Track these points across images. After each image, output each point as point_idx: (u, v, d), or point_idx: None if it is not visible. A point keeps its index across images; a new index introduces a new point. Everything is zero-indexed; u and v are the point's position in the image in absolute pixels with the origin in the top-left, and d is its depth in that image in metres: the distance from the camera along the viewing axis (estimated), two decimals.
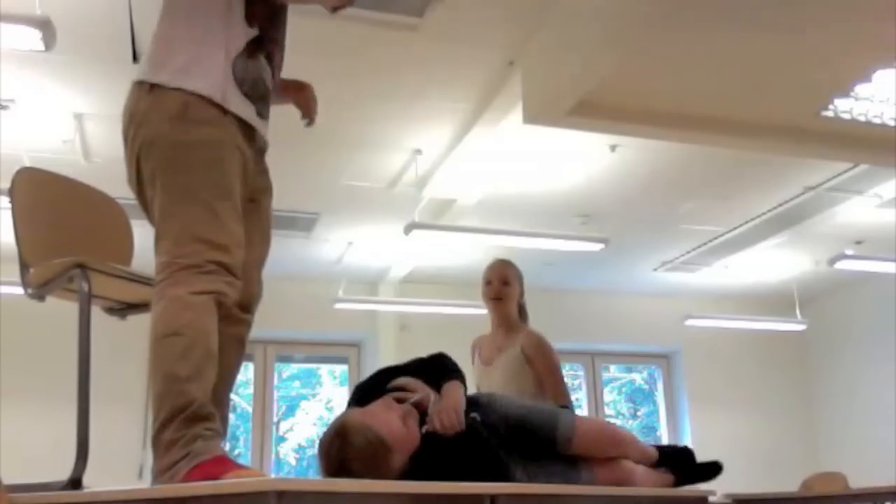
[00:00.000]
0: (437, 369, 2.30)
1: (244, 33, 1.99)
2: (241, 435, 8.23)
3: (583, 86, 4.22)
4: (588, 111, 4.43)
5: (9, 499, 1.72)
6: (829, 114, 4.86)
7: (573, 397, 4.14)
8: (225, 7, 1.98)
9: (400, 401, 2.10)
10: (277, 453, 8.46)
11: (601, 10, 3.87)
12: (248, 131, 1.98)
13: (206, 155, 1.87)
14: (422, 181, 5.81)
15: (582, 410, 8.63)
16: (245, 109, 1.96)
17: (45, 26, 3.48)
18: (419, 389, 2.20)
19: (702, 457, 2.74)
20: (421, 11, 4.05)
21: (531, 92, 4.41)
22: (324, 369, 9.42)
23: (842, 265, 6.88)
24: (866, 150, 5.15)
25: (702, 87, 4.54)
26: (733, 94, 4.63)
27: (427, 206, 6.13)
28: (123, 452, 6.63)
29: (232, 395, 2.11)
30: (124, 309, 2.55)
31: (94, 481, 2.09)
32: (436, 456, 2.04)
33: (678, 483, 2.66)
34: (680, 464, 2.71)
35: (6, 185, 2.36)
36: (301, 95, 2.37)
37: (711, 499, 2.80)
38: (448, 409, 2.12)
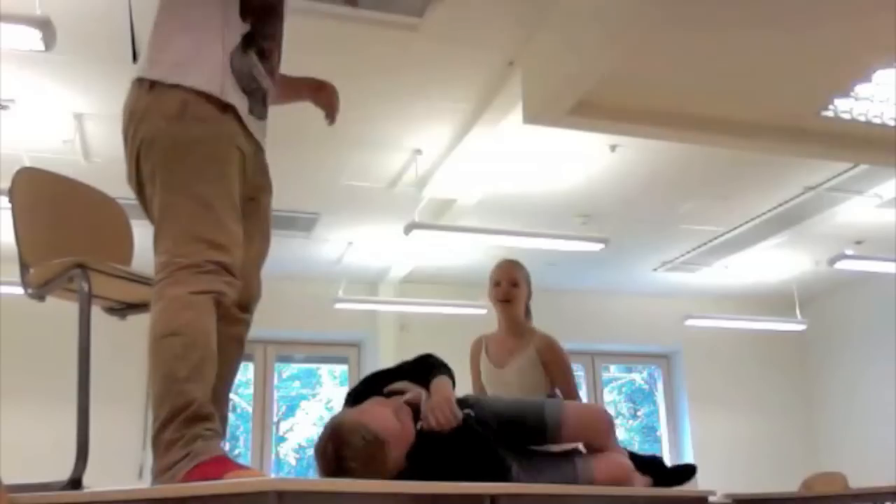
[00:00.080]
0: (424, 367, 2.32)
1: (239, 27, 1.99)
2: (241, 435, 8.23)
3: (583, 86, 4.22)
4: (588, 111, 4.43)
5: (9, 499, 1.71)
6: (830, 114, 4.85)
7: None
8: (221, 0, 1.98)
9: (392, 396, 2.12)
10: (277, 453, 8.46)
11: (601, 10, 3.87)
12: (247, 128, 1.98)
13: (205, 153, 1.87)
14: (422, 181, 5.81)
15: None
16: (242, 104, 1.96)
17: (45, 26, 3.48)
18: (410, 389, 2.22)
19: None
20: (421, 11, 4.05)
21: (531, 92, 4.41)
22: (324, 369, 9.42)
23: (842, 265, 6.88)
24: (866, 150, 5.14)
25: (702, 86, 4.54)
26: (733, 94, 4.63)
27: (427, 206, 6.13)
28: (123, 452, 6.63)
29: (232, 395, 2.11)
30: (124, 309, 2.55)
31: (94, 481, 2.09)
32: (433, 453, 2.04)
33: (655, 485, 2.67)
34: (651, 467, 2.72)
35: (6, 185, 2.36)
36: (322, 94, 2.37)
37: (711, 499, 2.80)
38: (441, 404, 2.13)
